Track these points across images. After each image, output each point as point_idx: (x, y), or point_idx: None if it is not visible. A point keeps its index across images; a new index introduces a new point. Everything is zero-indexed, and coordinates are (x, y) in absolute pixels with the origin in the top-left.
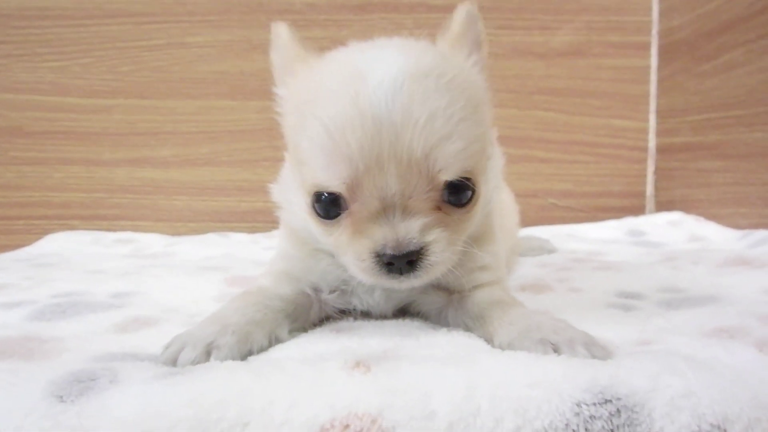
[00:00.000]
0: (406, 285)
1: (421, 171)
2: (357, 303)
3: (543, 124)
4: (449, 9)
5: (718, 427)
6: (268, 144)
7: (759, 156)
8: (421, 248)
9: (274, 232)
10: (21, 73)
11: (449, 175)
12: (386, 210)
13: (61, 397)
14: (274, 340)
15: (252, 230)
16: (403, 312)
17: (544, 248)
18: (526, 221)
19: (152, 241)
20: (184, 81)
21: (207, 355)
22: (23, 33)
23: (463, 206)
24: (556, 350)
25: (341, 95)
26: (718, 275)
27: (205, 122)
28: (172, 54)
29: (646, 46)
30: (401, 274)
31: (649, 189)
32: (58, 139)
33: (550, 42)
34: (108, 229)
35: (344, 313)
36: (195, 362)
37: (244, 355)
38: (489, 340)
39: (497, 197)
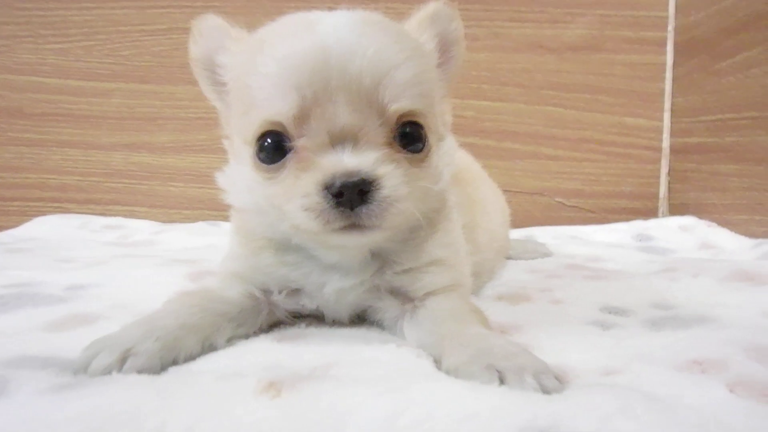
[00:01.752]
0: (359, 239)
1: (372, 102)
2: (307, 302)
3: (552, 121)
4: (458, 0)
5: None
6: None
7: None
8: (374, 180)
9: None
10: (24, 54)
11: (399, 105)
12: (335, 144)
13: None
14: (207, 347)
15: None
16: (361, 319)
17: (538, 251)
18: (532, 221)
19: (140, 228)
20: (184, 66)
21: (122, 362)
22: (27, 15)
23: (417, 153)
24: (502, 378)
25: (291, 35)
26: (717, 292)
27: (204, 108)
28: (173, 39)
29: (662, 42)
30: (352, 209)
31: (662, 191)
32: (57, 122)
33: (562, 36)
34: (102, 214)
35: (298, 318)
36: (107, 370)
37: (167, 364)
38: (438, 361)
39: (467, 185)
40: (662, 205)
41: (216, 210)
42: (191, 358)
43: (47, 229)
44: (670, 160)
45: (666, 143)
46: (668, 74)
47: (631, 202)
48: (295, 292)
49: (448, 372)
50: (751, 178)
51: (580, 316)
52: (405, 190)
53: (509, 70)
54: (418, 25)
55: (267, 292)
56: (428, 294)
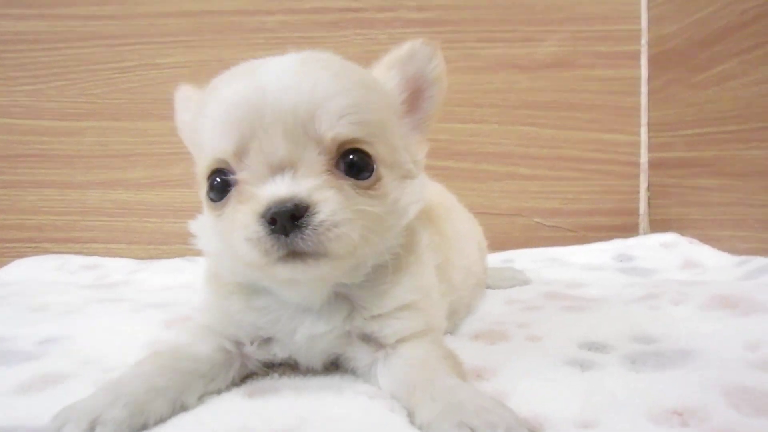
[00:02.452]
0: (305, 269)
1: (308, 132)
2: (279, 351)
3: (527, 140)
4: (427, 23)
5: None
6: None
7: (758, 175)
8: (308, 206)
9: None
10: None
11: (335, 132)
12: (275, 175)
13: None
14: (178, 408)
15: None
16: (335, 366)
17: (516, 279)
18: (511, 242)
19: (118, 268)
20: (156, 102)
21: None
22: None
23: (364, 181)
24: None
25: (234, 80)
26: (699, 320)
27: (177, 143)
28: (144, 75)
29: (636, 56)
30: (287, 235)
31: (642, 207)
32: (32, 162)
33: (534, 54)
34: (80, 252)
35: (270, 367)
36: None
37: (137, 429)
38: (411, 415)
39: (440, 223)
40: (643, 221)
41: (193, 244)
42: (161, 420)
43: (23, 271)
44: (649, 176)
45: (644, 158)
46: (643, 88)
47: (611, 219)
48: (267, 341)
49: (421, 428)
50: (733, 192)
51: (558, 355)
52: (345, 215)
53: (482, 91)
54: (386, 65)
55: (239, 344)
56: (400, 340)
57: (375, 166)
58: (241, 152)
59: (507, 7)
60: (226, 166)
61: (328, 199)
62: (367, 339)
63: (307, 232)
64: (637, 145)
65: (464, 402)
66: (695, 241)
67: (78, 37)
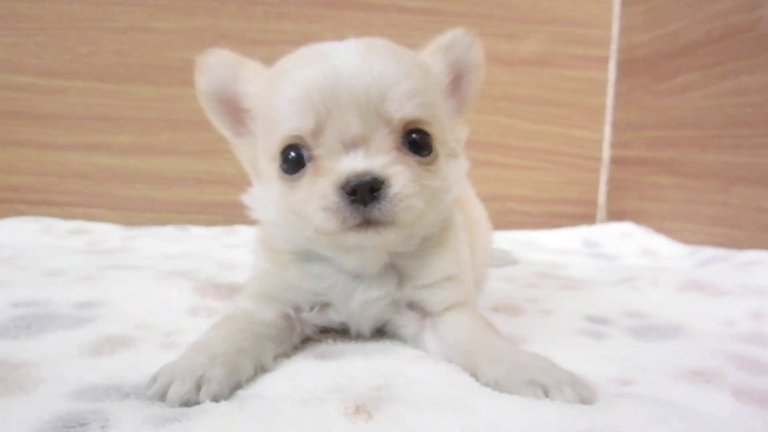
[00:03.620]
0: (374, 237)
1: (379, 112)
2: (335, 316)
3: (505, 130)
4: (421, 12)
5: None
6: None
7: (710, 176)
8: (384, 179)
9: (236, 228)
10: None
11: (403, 113)
12: (348, 152)
13: None
14: (260, 370)
15: (210, 223)
16: (381, 333)
17: (506, 259)
18: None
19: (108, 233)
20: (145, 66)
21: (197, 389)
22: None
23: (425, 158)
24: (546, 392)
25: (306, 63)
26: (678, 301)
27: (166, 110)
28: (134, 38)
29: (605, 60)
30: (365, 205)
31: (602, 198)
32: (9, 119)
33: (516, 50)
34: (58, 215)
35: (324, 333)
36: (185, 398)
37: (234, 388)
38: (474, 376)
39: (468, 206)
40: (601, 211)
41: (179, 213)
42: (250, 380)
43: (8, 235)
44: (609, 170)
45: (606, 154)
46: (610, 90)
47: (574, 208)
48: (324, 307)
49: (488, 386)
50: (687, 190)
51: (571, 327)
52: (414, 188)
53: None
54: (432, 50)
55: (297, 309)
56: (446, 309)
57: (433, 144)
58: (317, 130)
59: (495, 4)
60: (301, 142)
61: (400, 173)
62: (415, 306)
63: (383, 203)
64: (601, 142)
65: (527, 363)
66: (651, 231)
67: None
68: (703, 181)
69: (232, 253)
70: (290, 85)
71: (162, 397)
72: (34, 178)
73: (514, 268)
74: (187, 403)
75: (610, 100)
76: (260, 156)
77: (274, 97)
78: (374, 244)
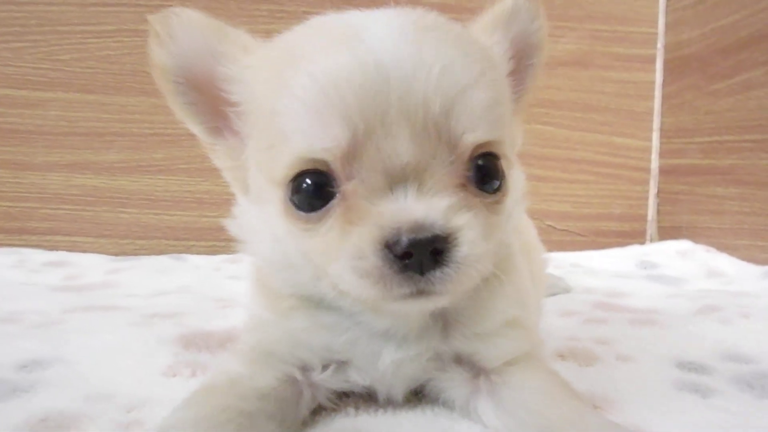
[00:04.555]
0: (425, 305)
1: (441, 132)
2: (357, 378)
3: (541, 139)
4: (444, 8)
5: None
6: None
7: None
8: (449, 235)
9: (240, 256)
10: None
11: (476, 135)
12: (395, 188)
13: None
14: None
15: (212, 250)
16: (417, 396)
17: (558, 286)
18: None
19: (91, 266)
20: (136, 74)
21: None
22: None
23: (492, 194)
24: None
25: (332, 46)
26: None
27: (160, 123)
28: (123, 42)
29: (652, 60)
30: (422, 274)
31: (651, 213)
32: None
33: (553, 50)
34: (38, 245)
35: (341, 399)
36: None
37: None
38: None
39: (520, 226)
40: (650, 227)
41: (177, 239)
42: None
43: None
44: (659, 182)
45: (655, 164)
46: (657, 93)
47: (620, 224)
48: (341, 366)
49: None
50: (753, 202)
51: (662, 378)
52: (485, 247)
53: None
54: (489, 25)
55: (306, 370)
56: (506, 364)
57: (504, 171)
58: (351, 153)
59: None
60: (326, 168)
61: (469, 225)
62: (465, 362)
63: (446, 269)
64: (648, 150)
65: None
66: (712, 249)
67: None
68: None
69: (234, 285)
70: (309, 80)
71: None
72: (10, 204)
73: (568, 298)
74: None
75: (657, 104)
76: (252, 167)
77: (282, 94)
78: (423, 310)
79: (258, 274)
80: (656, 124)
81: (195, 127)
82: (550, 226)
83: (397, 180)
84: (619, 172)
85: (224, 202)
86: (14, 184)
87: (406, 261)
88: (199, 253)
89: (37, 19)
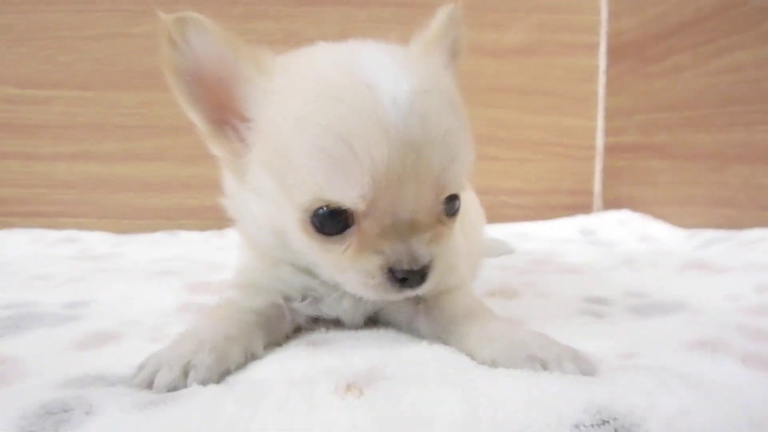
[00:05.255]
0: (409, 295)
1: (434, 186)
2: (327, 310)
3: (494, 122)
4: (403, 5)
5: None
6: None
7: (705, 157)
8: (430, 261)
9: (227, 231)
10: None
11: (453, 190)
12: (396, 225)
13: None
14: (250, 357)
15: (201, 227)
16: (373, 321)
17: (503, 248)
18: None
19: (98, 241)
20: (127, 73)
21: (184, 376)
22: None
23: (453, 215)
24: (545, 367)
25: (356, 108)
26: (679, 279)
27: (150, 116)
28: (114, 44)
29: (595, 46)
30: (412, 288)
31: (597, 187)
32: None
33: (502, 40)
34: (49, 226)
35: (316, 322)
36: (172, 384)
37: (222, 375)
38: (470, 356)
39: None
40: (597, 200)
41: (168, 219)
42: (240, 367)
43: None
44: (604, 158)
45: (600, 142)
46: (601, 77)
47: (568, 198)
48: (315, 300)
49: (484, 364)
50: (682, 173)
51: (570, 307)
52: (450, 261)
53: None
54: (433, 43)
55: (288, 299)
56: (439, 293)
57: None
58: (366, 200)
59: None
60: (346, 208)
61: (442, 252)
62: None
63: (424, 284)
64: (594, 130)
65: (525, 339)
66: (648, 217)
67: (41, 0)
68: (699, 162)
69: (221, 254)
70: (331, 136)
71: (149, 384)
72: (22, 190)
73: (510, 257)
74: (174, 390)
75: (601, 87)
76: (256, 168)
77: (305, 139)
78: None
79: (247, 238)
80: (600, 105)
81: (196, 119)
82: (503, 200)
83: (400, 220)
84: (567, 150)
85: (208, 185)
86: (25, 173)
87: (402, 281)
88: (188, 229)
89: (38, 26)
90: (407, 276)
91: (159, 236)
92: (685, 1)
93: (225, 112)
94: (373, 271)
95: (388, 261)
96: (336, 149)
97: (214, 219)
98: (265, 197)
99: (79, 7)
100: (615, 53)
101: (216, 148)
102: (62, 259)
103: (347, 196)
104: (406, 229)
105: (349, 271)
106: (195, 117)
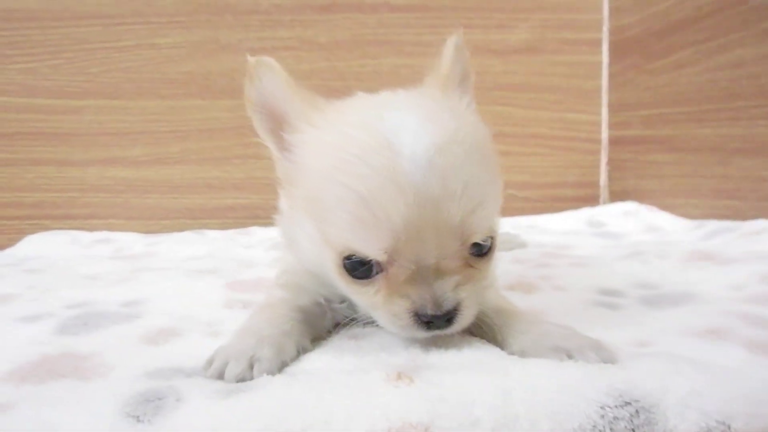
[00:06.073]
0: (438, 335)
1: (456, 235)
2: (363, 315)
3: (501, 119)
4: (411, 9)
5: (723, 423)
6: (237, 142)
7: (708, 150)
8: (456, 305)
9: (250, 229)
10: None
11: (480, 236)
12: (421, 271)
13: (138, 417)
14: (301, 350)
15: (224, 226)
16: None
17: (515, 242)
18: None
19: (131, 240)
20: (153, 81)
21: (250, 368)
22: None
23: (485, 255)
24: (570, 356)
25: (376, 168)
26: (685, 270)
27: (175, 122)
28: (141, 55)
29: (598, 43)
30: (440, 329)
31: (603, 179)
32: (29, 140)
33: (507, 39)
34: (81, 228)
35: (353, 319)
36: (240, 376)
37: (281, 367)
38: (500, 347)
39: None
40: (603, 192)
41: (193, 219)
42: (294, 360)
43: (38, 247)
44: (608, 151)
45: (604, 135)
46: (604, 72)
47: (575, 191)
48: (353, 303)
49: (514, 354)
50: (686, 165)
51: (585, 300)
52: (476, 302)
53: None
54: (448, 79)
55: (328, 300)
56: None
57: (495, 235)
58: (391, 255)
59: None
60: (366, 257)
61: (470, 294)
62: None
63: (454, 326)
64: (598, 124)
65: (551, 331)
66: (654, 208)
67: (73, 15)
68: (703, 155)
69: (248, 252)
70: (356, 195)
71: (220, 376)
72: (56, 194)
73: (523, 251)
74: (242, 381)
75: (604, 82)
76: (299, 202)
77: (333, 195)
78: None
79: (299, 259)
80: (604, 100)
81: (269, 144)
82: (511, 194)
83: (423, 266)
84: (573, 144)
85: (231, 186)
86: (58, 178)
87: (428, 323)
88: (212, 228)
89: (70, 39)
90: (432, 321)
91: (187, 235)
92: (685, 0)
93: (287, 145)
94: (400, 314)
95: (413, 305)
96: (357, 208)
97: (235, 218)
98: (307, 233)
99: (109, 21)
100: (617, 50)
101: (279, 172)
102: (102, 259)
103: (370, 248)
104: (432, 274)
105: (380, 310)
106: (267, 141)
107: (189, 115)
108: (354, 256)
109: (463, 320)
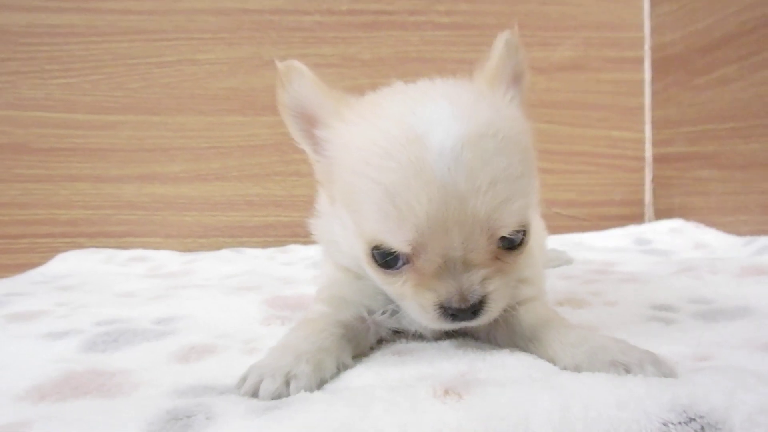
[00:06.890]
0: (464, 326)
1: (483, 229)
2: (406, 324)
3: (546, 136)
4: (454, 27)
5: None
6: (278, 159)
7: (756, 166)
8: (483, 297)
9: (289, 247)
10: (27, 90)
11: (507, 230)
12: (448, 264)
13: None
14: (342, 367)
15: (264, 245)
16: (450, 332)
17: (561, 259)
18: None
19: (167, 259)
20: (194, 97)
21: (286, 385)
22: (31, 50)
23: (516, 248)
24: (627, 370)
25: (402, 162)
26: (740, 285)
27: (215, 138)
28: (182, 70)
29: (640, 61)
30: (466, 321)
31: (648, 197)
32: (65, 156)
33: (551, 57)
34: (116, 246)
35: (397, 334)
36: (276, 393)
37: (319, 384)
38: (551, 362)
39: None
40: (648, 210)
41: (232, 237)
42: (334, 377)
43: (72, 265)
44: (653, 169)
45: (649, 153)
46: (647, 90)
47: (620, 209)
48: (395, 312)
49: (567, 369)
50: (733, 182)
51: (638, 315)
52: (508, 297)
53: None
54: (496, 74)
55: (371, 312)
56: (518, 304)
57: (527, 229)
58: (417, 248)
59: (526, 14)
60: (392, 248)
61: (498, 288)
62: None
63: (480, 317)
64: (642, 141)
65: (606, 344)
66: (700, 225)
67: (115, 31)
68: (749, 171)
69: (289, 270)
70: (383, 191)
71: (254, 393)
72: (90, 212)
73: (571, 267)
74: (278, 398)
75: (647, 100)
76: (341, 207)
77: (359, 189)
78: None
79: (331, 255)
80: (647, 117)
81: (305, 147)
82: (557, 212)
83: (450, 259)
84: (617, 162)
85: (271, 203)
86: (94, 195)
87: (454, 316)
88: (251, 246)
89: (110, 55)
90: (457, 313)
91: (225, 253)
92: (727, 16)
93: (321, 144)
94: (427, 307)
95: (439, 298)
96: (383, 201)
97: (275, 237)
98: (345, 221)
99: (150, 36)
100: (660, 67)
101: (316, 170)
102: (138, 277)
103: (395, 241)
104: (459, 267)
105: (409, 302)
106: (302, 144)
107: (230, 132)
108: (381, 247)
109: (491, 313)
